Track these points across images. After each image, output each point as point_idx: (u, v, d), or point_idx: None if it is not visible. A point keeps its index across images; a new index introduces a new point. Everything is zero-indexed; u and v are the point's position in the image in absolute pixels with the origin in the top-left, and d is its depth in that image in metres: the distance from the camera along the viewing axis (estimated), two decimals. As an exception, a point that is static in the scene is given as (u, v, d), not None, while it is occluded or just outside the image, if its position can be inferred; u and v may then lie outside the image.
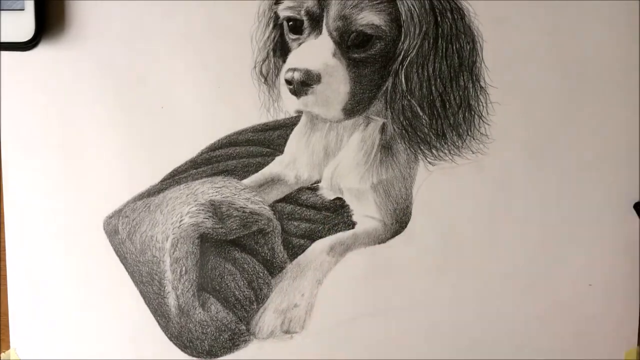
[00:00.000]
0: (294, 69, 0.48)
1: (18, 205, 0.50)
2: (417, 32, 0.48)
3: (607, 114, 0.50)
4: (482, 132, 0.50)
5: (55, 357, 0.51)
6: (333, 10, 0.48)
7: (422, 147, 0.50)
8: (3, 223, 0.50)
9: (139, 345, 0.51)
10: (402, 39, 0.48)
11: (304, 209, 0.51)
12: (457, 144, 0.50)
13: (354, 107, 0.49)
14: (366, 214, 0.51)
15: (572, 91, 0.50)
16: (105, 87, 0.50)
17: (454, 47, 0.48)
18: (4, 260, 0.50)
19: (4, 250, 0.50)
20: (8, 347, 0.51)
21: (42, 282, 0.50)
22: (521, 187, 0.51)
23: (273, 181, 0.51)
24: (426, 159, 0.50)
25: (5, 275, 0.50)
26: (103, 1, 0.49)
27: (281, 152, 0.51)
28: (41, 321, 0.51)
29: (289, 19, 0.49)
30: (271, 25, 0.50)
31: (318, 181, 0.52)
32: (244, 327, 0.51)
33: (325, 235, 0.51)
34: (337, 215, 0.51)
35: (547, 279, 0.51)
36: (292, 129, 0.51)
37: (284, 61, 0.49)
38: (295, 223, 0.51)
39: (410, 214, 0.51)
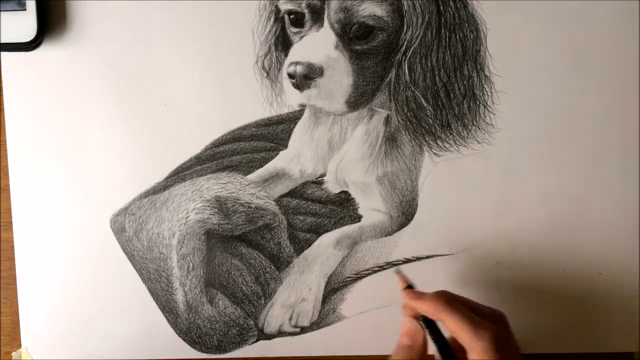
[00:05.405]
0: (296, 63, 0.48)
1: (26, 205, 0.51)
2: (419, 22, 0.47)
3: (613, 101, 0.49)
4: (488, 121, 0.50)
5: (65, 355, 0.51)
6: (334, 2, 0.47)
7: (427, 138, 0.49)
8: (12, 223, 0.51)
9: (149, 342, 0.51)
10: (405, 29, 0.47)
11: (310, 203, 0.51)
12: (462, 134, 0.50)
13: (358, 100, 0.49)
14: (372, 206, 0.51)
15: (577, 78, 0.49)
16: (108, 86, 0.50)
17: (457, 36, 0.48)
18: (14, 260, 0.51)
19: (14, 249, 0.51)
20: (19, 346, 0.51)
21: (52, 280, 0.51)
22: (527, 176, 0.50)
23: (278, 176, 0.51)
24: (431, 150, 0.50)
25: (15, 275, 0.51)
26: (104, 0, 0.49)
27: (285, 146, 0.51)
28: (51, 320, 0.51)
29: (290, 12, 0.49)
30: (272, 19, 0.50)
31: (323, 175, 0.52)
32: (252, 322, 0.51)
33: (331, 229, 0.51)
34: (342, 208, 0.51)
35: (556, 268, 0.50)
36: (295, 123, 0.51)
37: (286, 55, 0.49)
38: (301, 217, 0.51)
39: (417, 206, 0.50)
